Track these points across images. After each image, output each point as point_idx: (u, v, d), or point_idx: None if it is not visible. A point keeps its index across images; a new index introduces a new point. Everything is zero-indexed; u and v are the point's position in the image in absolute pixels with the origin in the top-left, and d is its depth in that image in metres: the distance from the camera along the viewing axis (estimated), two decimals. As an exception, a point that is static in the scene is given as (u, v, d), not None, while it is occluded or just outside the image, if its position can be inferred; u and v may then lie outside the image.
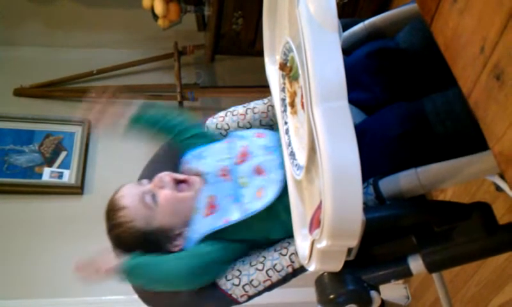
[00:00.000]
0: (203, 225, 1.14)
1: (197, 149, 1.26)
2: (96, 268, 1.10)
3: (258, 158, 1.17)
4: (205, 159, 1.23)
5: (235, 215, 1.12)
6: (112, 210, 1.17)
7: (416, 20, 1.15)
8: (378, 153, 1.03)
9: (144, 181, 1.22)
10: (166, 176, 1.19)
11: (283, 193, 1.10)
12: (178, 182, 1.20)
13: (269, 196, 1.11)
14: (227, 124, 1.31)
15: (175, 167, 1.27)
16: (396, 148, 1.02)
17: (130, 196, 1.18)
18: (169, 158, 1.31)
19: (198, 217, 1.15)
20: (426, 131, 1.00)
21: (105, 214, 1.19)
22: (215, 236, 1.13)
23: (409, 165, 0.97)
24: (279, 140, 1.20)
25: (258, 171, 1.15)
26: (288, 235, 1.14)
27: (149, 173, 1.29)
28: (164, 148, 1.34)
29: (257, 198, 1.12)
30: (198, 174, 1.21)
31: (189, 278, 1.10)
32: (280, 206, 1.11)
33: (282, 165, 1.13)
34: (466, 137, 0.95)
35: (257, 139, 1.22)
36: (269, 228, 1.14)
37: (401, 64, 1.16)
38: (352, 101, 1.02)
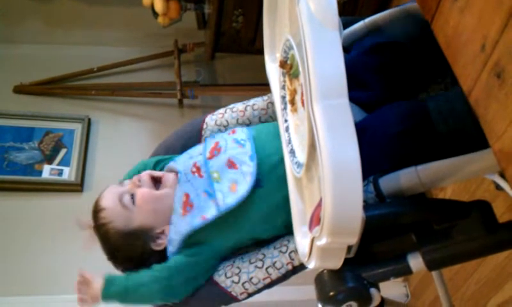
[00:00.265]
0: (183, 225, 1.13)
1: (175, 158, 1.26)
2: (84, 296, 1.12)
3: (229, 152, 1.16)
4: (178, 160, 1.22)
5: (211, 212, 1.11)
6: (94, 211, 1.19)
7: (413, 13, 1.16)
8: (379, 150, 1.03)
9: (126, 181, 1.22)
10: (144, 175, 1.19)
11: (264, 184, 1.11)
12: (156, 181, 1.20)
13: (242, 189, 1.10)
14: (226, 121, 1.31)
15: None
16: (397, 146, 1.02)
17: (109, 197, 1.18)
18: (190, 143, 1.31)
19: (177, 218, 1.15)
20: (428, 129, 1.00)
21: (91, 213, 1.21)
22: (196, 237, 1.13)
23: (409, 163, 0.97)
24: (251, 133, 1.20)
25: (230, 165, 1.14)
26: (279, 234, 1.14)
27: (166, 153, 1.31)
28: (187, 129, 1.34)
29: (231, 193, 1.11)
30: (173, 172, 1.22)
31: (170, 295, 1.12)
32: (258, 199, 1.11)
33: (254, 157, 1.13)
34: (468, 136, 0.95)
35: (229, 135, 1.21)
36: (251, 224, 1.13)
37: (400, 58, 1.16)
38: (352, 99, 1.03)
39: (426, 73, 1.18)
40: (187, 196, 1.15)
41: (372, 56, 1.17)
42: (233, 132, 1.22)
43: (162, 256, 1.16)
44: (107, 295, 1.11)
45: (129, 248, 1.16)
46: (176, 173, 1.20)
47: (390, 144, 1.02)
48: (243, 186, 1.10)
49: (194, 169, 1.17)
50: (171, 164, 1.22)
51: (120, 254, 1.17)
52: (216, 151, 1.18)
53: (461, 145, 0.96)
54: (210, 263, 1.14)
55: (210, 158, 1.17)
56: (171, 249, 1.15)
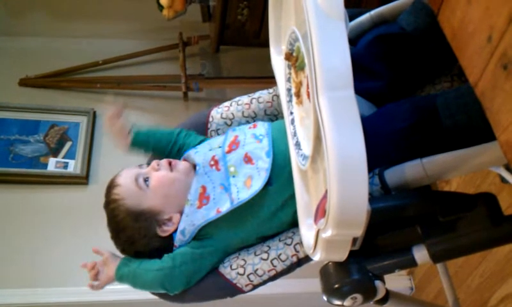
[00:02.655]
0: (198, 217, 1.14)
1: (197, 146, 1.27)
2: (97, 275, 1.18)
3: (247, 147, 1.16)
4: (198, 151, 1.23)
5: (226, 206, 1.12)
6: (108, 187, 1.21)
7: (416, 2, 1.15)
8: (385, 143, 1.03)
9: (144, 165, 1.24)
10: (163, 160, 1.21)
11: (274, 182, 1.11)
12: (171, 166, 1.21)
13: (256, 185, 1.11)
14: (232, 114, 1.31)
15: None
16: (403, 139, 1.02)
17: (126, 175, 1.20)
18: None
19: (192, 209, 1.15)
20: (435, 123, 1.00)
21: (105, 190, 1.23)
22: (206, 230, 1.14)
23: (415, 156, 0.97)
24: (270, 128, 1.20)
25: (247, 160, 1.14)
26: (283, 230, 1.15)
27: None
28: (193, 122, 1.35)
29: (245, 188, 1.12)
30: (192, 164, 1.22)
31: (169, 285, 1.13)
32: (268, 196, 1.12)
33: (270, 153, 1.13)
34: (476, 131, 0.95)
35: (249, 129, 1.22)
36: (258, 221, 1.14)
37: (406, 48, 1.15)
38: (361, 91, 1.02)
39: (433, 64, 1.18)
40: (204, 188, 1.15)
41: (378, 46, 1.17)
42: (255, 126, 1.23)
43: (165, 245, 1.17)
44: (119, 274, 1.14)
45: (134, 229, 1.16)
46: (194, 164, 1.20)
47: (397, 137, 1.02)
48: (257, 181, 1.11)
49: (213, 162, 1.18)
50: (191, 154, 1.23)
51: (124, 234, 1.18)
52: (235, 145, 1.18)
53: (468, 141, 0.96)
54: (214, 258, 1.15)
55: (228, 152, 1.18)
56: (182, 239, 1.15)
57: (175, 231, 1.16)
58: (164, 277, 1.12)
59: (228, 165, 1.15)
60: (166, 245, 1.17)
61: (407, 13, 1.17)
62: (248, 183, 1.12)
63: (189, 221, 1.14)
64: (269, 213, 1.13)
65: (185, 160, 1.25)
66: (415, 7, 1.15)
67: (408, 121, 1.02)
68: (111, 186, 1.20)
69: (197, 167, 1.19)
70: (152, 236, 1.17)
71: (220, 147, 1.20)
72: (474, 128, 0.96)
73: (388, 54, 1.17)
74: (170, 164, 1.21)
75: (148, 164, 1.24)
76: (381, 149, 1.02)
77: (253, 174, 1.12)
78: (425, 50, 1.15)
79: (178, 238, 1.16)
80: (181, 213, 1.17)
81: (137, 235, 1.17)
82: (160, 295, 1.18)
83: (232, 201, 1.11)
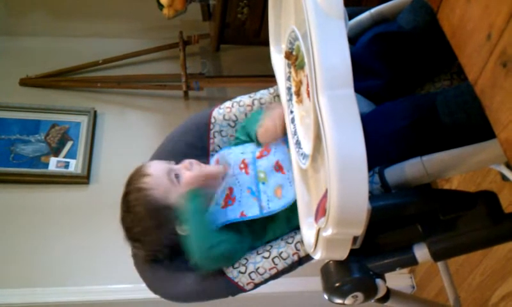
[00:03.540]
0: (219, 217, 1.14)
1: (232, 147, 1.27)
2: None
3: (278, 155, 1.17)
4: (232, 152, 1.23)
5: (252, 211, 1.12)
6: (136, 174, 1.19)
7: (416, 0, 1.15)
8: (385, 141, 1.03)
9: (172, 162, 1.23)
10: (195, 163, 1.21)
11: None
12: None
13: (289, 196, 1.11)
14: (235, 115, 1.31)
15: (201, 146, 1.31)
16: (403, 137, 1.02)
17: (158, 167, 1.19)
18: (198, 137, 1.32)
19: (216, 208, 1.15)
20: (434, 121, 1.00)
21: (127, 180, 1.21)
22: (226, 227, 1.14)
23: (415, 154, 0.97)
24: None
25: (278, 168, 1.15)
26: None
27: (171, 150, 1.31)
28: (194, 122, 1.34)
29: (276, 197, 1.12)
30: (224, 165, 1.23)
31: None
32: (294, 207, 1.11)
33: None
34: (475, 129, 0.95)
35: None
36: (279, 227, 1.14)
37: (406, 46, 1.15)
38: (360, 90, 1.02)
39: (432, 63, 1.18)
40: (231, 190, 1.16)
41: (377, 44, 1.17)
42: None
43: (177, 245, 1.16)
44: (188, 205, 1.12)
45: (155, 221, 1.15)
46: (227, 164, 1.21)
47: (397, 135, 1.02)
48: (289, 193, 1.11)
49: (242, 166, 1.18)
50: (225, 155, 1.23)
51: (142, 224, 1.16)
52: (266, 151, 1.19)
53: (467, 138, 0.96)
54: (246, 245, 1.15)
55: (259, 157, 1.19)
56: None
57: None
58: (236, 251, 1.12)
59: (258, 170, 1.17)
60: (178, 245, 1.17)
61: (406, 11, 1.17)
62: (278, 192, 1.12)
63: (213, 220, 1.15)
64: (286, 220, 1.13)
65: (218, 160, 1.25)
66: (415, 6, 1.15)
67: (408, 119, 1.02)
68: (140, 174, 1.18)
69: (229, 168, 1.19)
70: (169, 233, 1.16)
71: (252, 152, 1.21)
72: (473, 126, 0.96)
73: (388, 52, 1.17)
74: (200, 165, 1.21)
75: (177, 163, 1.23)
76: (381, 147, 1.02)
77: (283, 183, 1.13)
78: (424, 48, 1.15)
79: None
80: None
81: (155, 229, 1.16)
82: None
83: (262, 209, 1.12)
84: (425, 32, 1.13)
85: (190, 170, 1.19)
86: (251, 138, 1.27)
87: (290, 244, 1.10)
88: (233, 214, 1.13)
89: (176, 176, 1.18)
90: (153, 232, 1.17)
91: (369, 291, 0.97)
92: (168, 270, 1.18)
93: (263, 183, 1.15)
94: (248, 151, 1.22)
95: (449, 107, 0.99)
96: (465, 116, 0.97)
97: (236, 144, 1.29)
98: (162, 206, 1.16)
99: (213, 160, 1.29)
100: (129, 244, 1.21)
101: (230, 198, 1.15)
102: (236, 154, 1.22)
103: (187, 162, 1.21)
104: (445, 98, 1.00)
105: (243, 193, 1.15)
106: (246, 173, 1.17)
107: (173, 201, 1.16)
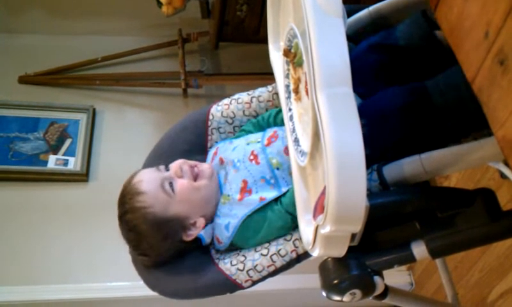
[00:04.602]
0: (240, 209, 1.14)
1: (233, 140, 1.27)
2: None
3: (286, 140, 1.16)
4: (236, 146, 1.23)
5: (271, 194, 1.13)
6: (129, 194, 1.17)
7: (416, 14, 1.15)
8: (378, 128, 1.03)
9: (161, 167, 1.21)
10: (184, 164, 1.20)
11: None
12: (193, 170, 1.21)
13: None
14: (233, 112, 1.31)
15: (199, 143, 1.31)
16: (396, 122, 1.02)
17: (150, 181, 1.17)
18: (196, 134, 1.32)
19: (232, 203, 1.16)
20: (426, 103, 1.00)
21: (119, 199, 1.19)
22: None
23: (409, 141, 0.97)
24: None
25: (288, 152, 1.14)
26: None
27: (169, 147, 1.31)
28: (192, 120, 1.35)
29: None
30: (221, 162, 1.23)
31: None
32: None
33: None
34: (465, 111, 0.96)
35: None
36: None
37: (399, 60, 1.15)
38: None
39: (426, 77, 1.17)
40: (245, 182, 1.16)
41: (371, 55, 1.16)
42: None
43: (186, 247, 1.18)
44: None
45: (159, 236, 1.15)
46: (229, 163, 1.21)
47: (390, 120, 1.02)
48: None
49: (252, 157, 1.18)
50: (226, 154, 1.23)
51: (147, 242, 1.16)
52: (274, 138, 1.20)
53: (459, 121, 0.97)
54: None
55: (267, 145, 1.19)
56: (226, 235, 1.16)
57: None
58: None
59: (269, 157, 1.16)
60: (188, 247, 1.18)
61: (404, 24, 1.16)
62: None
63: (232, 215, 1.15)
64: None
65: (216, 152, 1.26)
66: (413, 20, 1.15)
67: (400, 103, 1.02)
68: (134, 193, 1.16)
69: (237, 163, 1.19)
70: (177, 242, 1.17)
71: (259, 142, 1.21)
72: (465, 104, 0.96)
73: (380, 62, 1.16)
74: (192, 168, 1.20)
75: (166, 166, 1.22)
76: (376, 136, 1.02)
77: None
78: (419, 63, 1.14)
79: (222, 234, 1.16)
80: (205, 217, 1.18)
81: (162, 242, 1.16)
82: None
83: (280, 189, 1.13)
84: (421, 48, 1.12)
85: (181, 176, 1.18)
86: (264, 127, 1.28)
87: (289, 241, 1.10)
88: (254, 202, 1.13)
89: (170, 184, 1.17)
90: (160, 244, 1.17)
91: (367, 288, 0.97)
92: (166, 268, 1.19)
93: (277, 168, 1.15)
94: (253, 140, 1.22)
95: (440, 88, 0.99)
96: (456, 94, 0.97)
97: (237, 137, 1.28)
98: (163, 221, 1.15)
99: (211, 153, 1.29)
100: (135, 255, 1.21)
101: (246, 191, 1.15)
102: (242, 146, 1.22)
103: (177, 167, 1.19)
104: (435, 81, 1.01)
105: (258, 183, 1.15)
106: (257, 163, 1.17)
107: (173, 212, 1.16)
